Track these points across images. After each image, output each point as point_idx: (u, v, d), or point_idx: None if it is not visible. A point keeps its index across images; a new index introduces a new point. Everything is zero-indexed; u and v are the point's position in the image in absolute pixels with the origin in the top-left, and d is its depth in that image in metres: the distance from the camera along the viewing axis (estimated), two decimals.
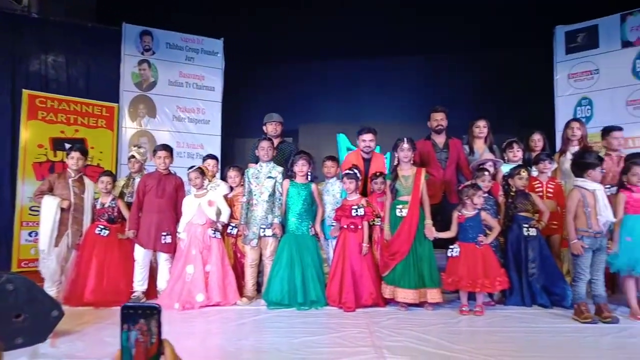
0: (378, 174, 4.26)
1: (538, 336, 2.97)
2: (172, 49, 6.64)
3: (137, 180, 4.49)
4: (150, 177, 4.22)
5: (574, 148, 4.52)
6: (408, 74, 7.39)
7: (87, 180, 4.31)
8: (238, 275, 4.19)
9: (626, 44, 6.30)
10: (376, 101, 7.46)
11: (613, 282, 3.98)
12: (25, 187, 5.48)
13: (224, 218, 4.15)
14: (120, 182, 4.62)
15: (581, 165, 3.48)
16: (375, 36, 6.93)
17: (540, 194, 4.09)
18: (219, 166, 5.06)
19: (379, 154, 4.65)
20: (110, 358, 0.77)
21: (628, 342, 2.87)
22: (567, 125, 4.70)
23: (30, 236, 5.38)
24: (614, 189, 3.71)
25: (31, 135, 5.65)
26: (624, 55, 6.29)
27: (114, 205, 4.24)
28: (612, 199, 3.51)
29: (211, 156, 4.93)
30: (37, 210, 4.25)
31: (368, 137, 4.43)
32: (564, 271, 4.11)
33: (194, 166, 4.24)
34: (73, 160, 4.18)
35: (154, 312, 0.78)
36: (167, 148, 4.24)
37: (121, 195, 4.43)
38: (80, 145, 4.61)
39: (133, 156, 4.64)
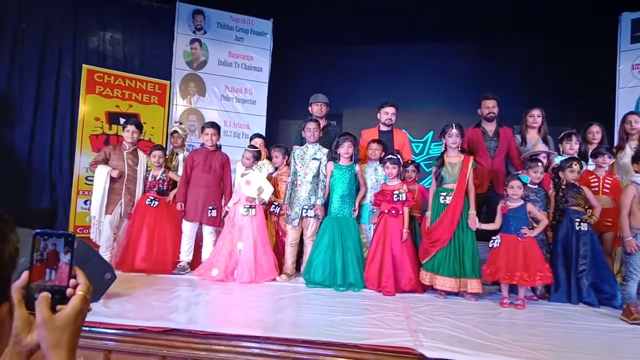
0: (410, 161, 4.29)
1: (582, 333, 2.86)
2: (223, 29, 6.75)
3: (180, 155, 4.67)
4: (197, 153, 4.36)
5: (634, 143, 4.29)
6: (458, 59, 7.16)
7: (140, 154, 4.51)
8: (279, 253, 4.29)
9: None
10: (424, 87, 7.30)
11: None
12: (83, 158, 5.80)
13: (266, 196, 4.13)
14: None
15: (636, 159, 3.31)
16: (425, 20, 6.74)
17: (596, 189, 3.91)
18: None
19: (400, 130, 4.68)
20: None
21: None
22: (625, 119, 4.44)
23: (86, 204, 5.70)
24: None
25: (89, 108, 5.95)
26: None
27: (164, 178, 4.43)
28: None
29: (258, 135, 5.02)
30: (92, 180, 4.49)
31: (390, 110, 4.53)
32: (615, 271, 3.93)
33: (253, 147, 4.31)
34: (129, 133, 4.38)
35: (69, 239, 0.82)
36: (215, 126, 4.36)
37: (167, 169, 4.61)
38: (136, 119, 4.82)
39: (175, 131, 4.81)
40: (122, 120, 5.31)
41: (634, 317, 3.10)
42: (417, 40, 7.13)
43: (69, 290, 0.82)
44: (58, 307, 0.80)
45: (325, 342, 2.47)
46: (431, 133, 7.32)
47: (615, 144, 4.69)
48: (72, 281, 0.83)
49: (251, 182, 4.04)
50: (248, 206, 4.01)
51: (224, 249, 3.93)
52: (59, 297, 0.81)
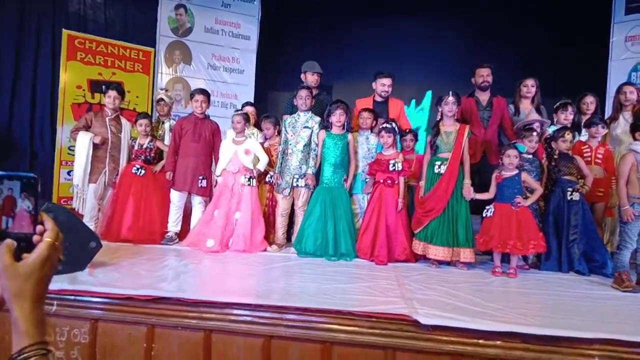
0: (408, 130, 4.21)
1: (574, 300, 2.87)
2: None
3: (167, 124, 4.52)
4: (186, 121, 4.21)
5: (627, 114, 4.27)
6: (450, 31, 7.01)
7: (124, 120, 4.35)
8: (271, 224, 4.21)
9: None
10: (415, 60, 7.15)
11: None
12: (65, 128, 5.59)
13: (261, 166, 4.06)
14: None
15: (637, 128, 3.27)
16: None
17: (589, 159, 3.89)
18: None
19: (396, 99, 4.55)
20: None
21: None
22: (619, 89, 4.40)
23: (69, 175, 5.51)
24: None
25: (70, 76, 5.70)
26: None
27: (151, 146, 4.28)
28: None
29: (250, 103, 4.88)
30: (75, 149, 4.32)
31: (387, 81, 4.38)
32: (604, 241, 3.96)
33: (239, 110, 4.18)
34: (110, 99, 4.21)
35: (26, 182, 0.76)
36: (204, 92, 4.20)
37: (153, 138, 4.46)
38: (117, 85, 4.62)
39: (161, 99, 4.64)
40: (104, 88, 5.11)
41: (626, 284, 3.11)
42: (409, 11, 6.95)
43: (35, 237, 0.75)
44: (24, 255, 0.74)
45: (318, 309, 2.42)
46: (413, 102, 7.19)
47: (608, 115, 4.67)
48: (38, 227, 0.76)
49: (250, 151, 3.95)
50: (249, 177, 3.93)
51: (219, 219, 3.84)
52: (25, 244, 0.75)
